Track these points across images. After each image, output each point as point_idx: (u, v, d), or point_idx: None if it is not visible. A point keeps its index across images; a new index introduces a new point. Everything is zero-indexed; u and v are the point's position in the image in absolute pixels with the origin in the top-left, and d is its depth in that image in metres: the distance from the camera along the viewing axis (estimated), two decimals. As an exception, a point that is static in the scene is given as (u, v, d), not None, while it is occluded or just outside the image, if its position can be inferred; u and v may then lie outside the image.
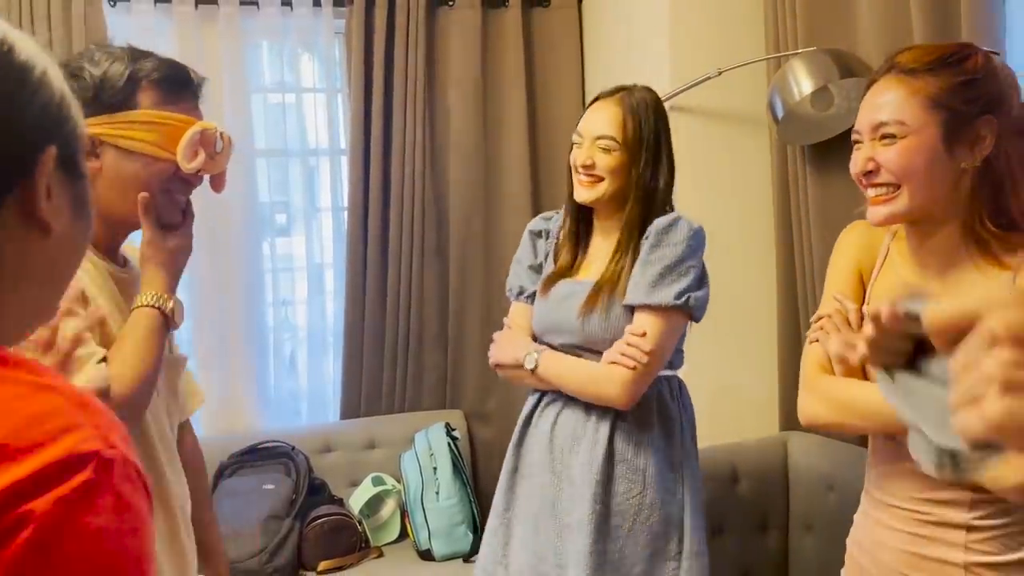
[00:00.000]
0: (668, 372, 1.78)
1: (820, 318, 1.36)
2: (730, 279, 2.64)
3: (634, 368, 1.63)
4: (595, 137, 1.74)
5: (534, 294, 1.85)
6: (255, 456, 2.87)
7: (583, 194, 1.75)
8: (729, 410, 2.61)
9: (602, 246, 1.79)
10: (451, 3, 3.13)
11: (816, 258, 2.35)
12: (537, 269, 1.89)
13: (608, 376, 1.66)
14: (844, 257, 1.40)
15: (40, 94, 0.63)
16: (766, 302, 2.65)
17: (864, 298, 1.35)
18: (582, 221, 1.83)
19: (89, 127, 1.17)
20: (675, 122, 2.65)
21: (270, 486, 2.76)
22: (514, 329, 1.86)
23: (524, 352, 1.76)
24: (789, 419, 2.64)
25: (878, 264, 1.36)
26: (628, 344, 1.64)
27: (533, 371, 1.74)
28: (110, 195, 1.21)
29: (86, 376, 1.11)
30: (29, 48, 0.63)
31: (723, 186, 2.67)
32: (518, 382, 1.84)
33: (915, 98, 1.20)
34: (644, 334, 1.64)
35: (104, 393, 1.11)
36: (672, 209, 1.78)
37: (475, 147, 3.17)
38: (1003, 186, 1.18)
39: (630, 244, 1.72)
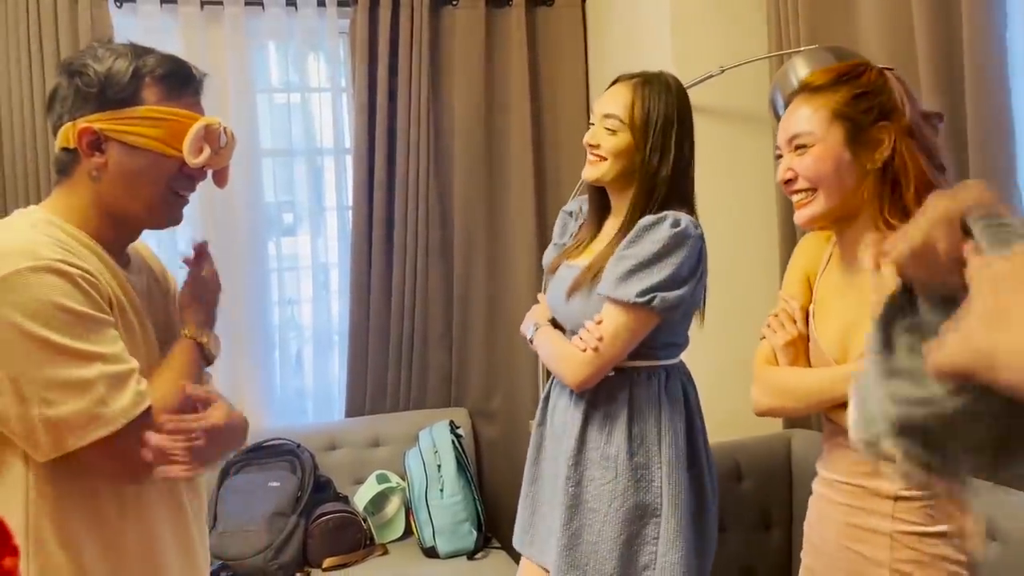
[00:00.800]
0: (651, 363, 1.76)
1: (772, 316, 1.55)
2: (732, 277, 2.64)
3: (584, 351, 1.68)
4: (602, 115, 1.75)
5: None
6: (260, 454, 2.88)
7: (586, 172, 1.79)
8: (732, 407, 2.61)
9: (611, 228, 1.81)
10: (455, 2, 3.14)
11: (819, 256, 2.36)
12: (562, 248, 1.93)
13: (565, 356, 1.73)
14: (794, 263, 1.57)
15: None
16: (768, 301, 2.64)
17: (811, 298, 1.51)
18: (600, 202, 1.86)
19: (94, 123, 1.19)
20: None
21: (275, 483, 2.77)
22: (540, 303, 1.95)
23: (529, 324, 1.87)
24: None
25: (822, 267, 1.51)
26: (587, 329, 1.69)
27: (531, 342, 1.85)
28: (116, 191, 1.22)
29: (132, 394, 1.13)
30: None
31: (726, 183, 2.67)
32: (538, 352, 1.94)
33: (820, 112, 1.36)
34: (600, 322, 1.68)
35: (147, 412, 1.15)
36: (690, 204, 1.77)
37: (479, 146, 3.18)
38: (900, 183, 1.33)
39: (625, 228, 1.72)
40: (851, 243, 1.40)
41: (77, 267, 1.12)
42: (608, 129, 1.73)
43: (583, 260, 1.81)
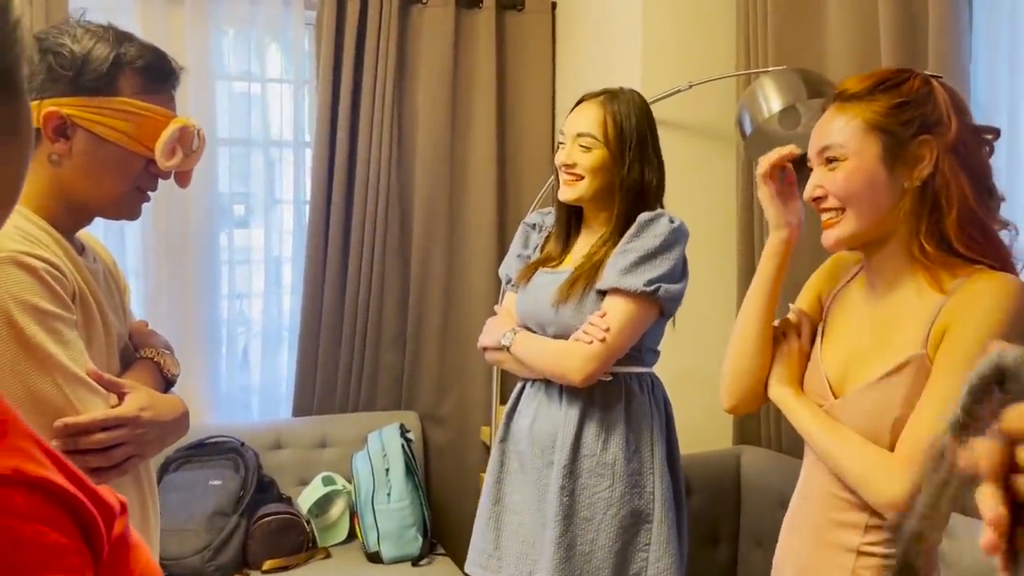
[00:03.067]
0: (640, 368, 1.79)
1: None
2: (688, 293, 2.64)
3: (591, 343, 1.66)
4: (575, 135, 1.77)
5: None
6: (202, 451, 2.80)
7: (565, 192, 1.79)
8: (684, 422, 2.62)
9: (587, 242, 1.83)
10: (424, 1, 3.10)
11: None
12: (525, 259, 1.92)
13: (568, 352, 1.70)
14: (809, 283, 1.48)
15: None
16: (725, 315, 2.66)
17: (822, 315, 1.41)
18: (572, 219, 1.87)
19: (63, 107, 1.13)
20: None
21: (217, 482, 2.70)
22: (501, 315, 1.92)
23: (503, 332, 1.82)
24: (742, 433, 2.66)
25: (840, 284, 1.41)
26: (590, 323, 1.69)
27: (508, 349, 1.80)
28: (77, 178, 1.16)
29: (86, 407, 1.08)
30: None
31: (689, 197, 2.68)
32: (500, 365, 1.92)
33: (854, 122, 1.24)
34: (605, 314, 1.68)
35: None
36: (662, 207, 1.81)
37: (442, 146, 3.15)
38: (940, 206, 1.21)
39: (614, 237, 1.75)
40: (879, 266, 1.30)
41: (42, 259, 1.06)
42: (583, 147, 1.75)
43: (565, 268, 1.81)
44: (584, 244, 1.83)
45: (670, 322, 1.82)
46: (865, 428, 1.24)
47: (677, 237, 1.71)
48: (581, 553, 1.70)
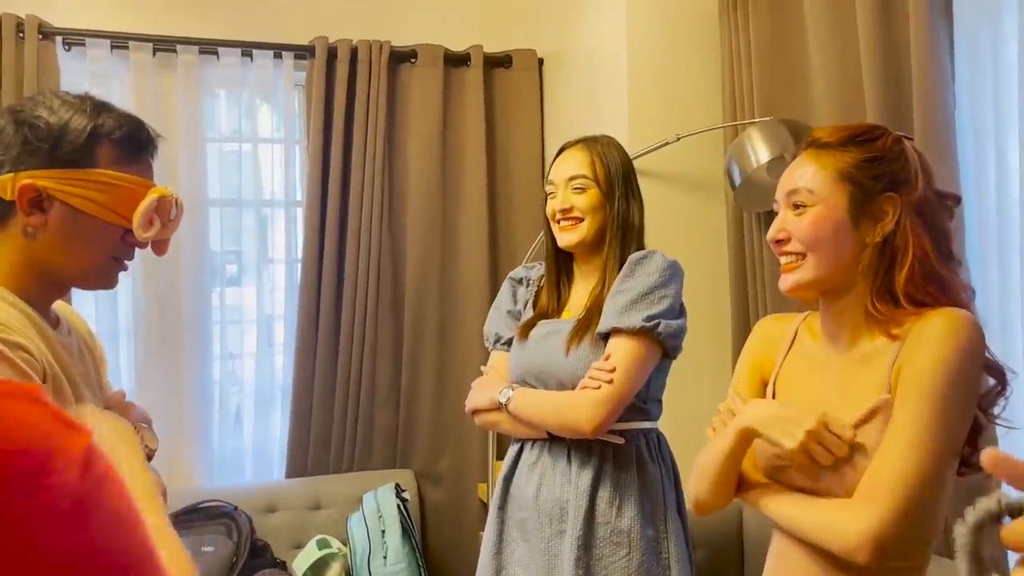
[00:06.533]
0: (647, 423, 1.73)
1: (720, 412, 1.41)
2: (685, 342, 2.63)
3: (598, 387, 1.60)
4: (567, 179, 1.75)
5: (511, 340, 1.83)
6: (194, 516, 2.74)
7: (567, 238, 1.75)
8: (683, 474, 2.59)
9: (582, 289, 1.79)
10: (413, 60, 3.15)
11: (771, 323, 2.37)
12: (516, 316, 1.87)
13: (574, 402, 1.63)
14: (745, 353, 1.44)
15: None
16: (721, 365, 2.64)
17: (766, 387, 1.38)
18: (563, 268, 1.83)
19: (39, 180, 1.11)
20: (633, 185, 2.68)
21: (209, 548, 2.63)
22: (491, 374, 1.83)
23: (499, 390, 1.74)
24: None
25: (782, 352, 1.38)
26: (595, 367, 1.63)
27: (506, 407, 1.71)
28: (52, 252, 1.14)
29: None
30: None
31: (680, 247, 2.67)
32: (494, 428, 1.83)
33: (825, 171, 1.24)
34: (609, 357, 1.63)
35: None
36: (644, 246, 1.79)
37: (433, 203, 3.16)
38: (896, 262, 1.22)
39: (611, 277, 1.72)
40: (837, 317, 1.29)
41: (9, 342, 1.03)
42: (577, 189, 1.74)
43: (567, 318, 1.77)
44: (580, 290, 1.80)
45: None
46: (842, 478, 1.23)
47: (672, 274, 1.69)
48: None
